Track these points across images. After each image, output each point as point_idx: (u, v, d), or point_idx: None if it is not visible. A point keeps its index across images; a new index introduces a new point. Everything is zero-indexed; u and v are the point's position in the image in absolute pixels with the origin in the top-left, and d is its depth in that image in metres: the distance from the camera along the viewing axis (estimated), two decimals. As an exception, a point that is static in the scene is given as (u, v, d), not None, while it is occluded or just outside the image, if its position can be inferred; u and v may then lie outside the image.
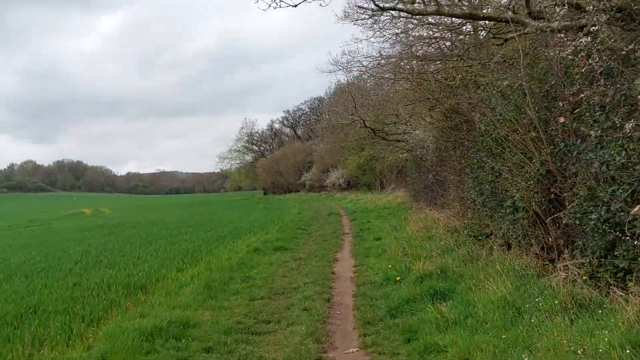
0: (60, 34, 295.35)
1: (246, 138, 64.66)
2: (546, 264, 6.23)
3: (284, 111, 69.21)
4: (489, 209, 8.31)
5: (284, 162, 56.80)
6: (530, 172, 6.37)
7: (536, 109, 6.29)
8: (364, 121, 20.43)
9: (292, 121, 66.77)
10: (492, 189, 8.37)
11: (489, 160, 7.91)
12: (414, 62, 12.97)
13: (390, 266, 8.27)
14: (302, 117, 64.61)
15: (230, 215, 27.37)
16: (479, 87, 9.53)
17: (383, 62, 14.40)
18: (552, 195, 6.23)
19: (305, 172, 52.92)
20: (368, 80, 21.76)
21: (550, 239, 6.39)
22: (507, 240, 7.69)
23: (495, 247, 7.71)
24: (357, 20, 12.08)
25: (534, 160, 6.32)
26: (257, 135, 67.04)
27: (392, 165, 35.57)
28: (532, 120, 6.36)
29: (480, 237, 8.49)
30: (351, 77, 21.45)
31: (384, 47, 20.95)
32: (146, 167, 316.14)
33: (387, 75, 15.33)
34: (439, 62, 12.04)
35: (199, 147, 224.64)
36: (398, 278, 7.44)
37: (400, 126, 21.59)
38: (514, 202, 6.77)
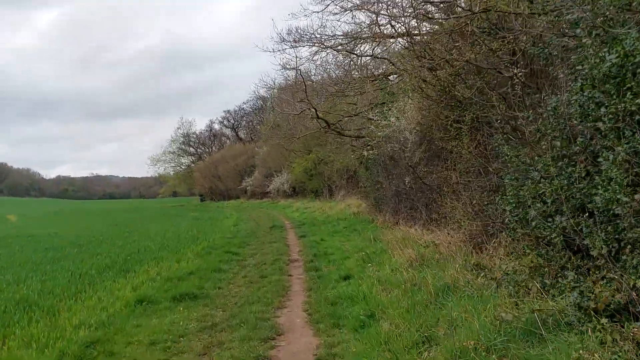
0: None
1: (182, 139, 58.17)
2: None
3: (224, 111, 63.51)
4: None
5: (223, 166, 51.12)
6: None
7: None
8: (315, 110, 15.80)
9: (234, 122, 61.09)
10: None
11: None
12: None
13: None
14: (245, 118, 59.13)
15: (148, 228, 21.83)
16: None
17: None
18: None
19: (246, 177, 47.59)
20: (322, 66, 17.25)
21: None
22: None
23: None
24: None
25: None
26: (194, 136, 60.70)
27: (342, 169, 31.42)
28: None
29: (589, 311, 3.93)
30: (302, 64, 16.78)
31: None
32: (81, 171, 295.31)
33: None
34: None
35: (139, 151, 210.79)
36: None
37: (361, 119, 17.20)
38: None
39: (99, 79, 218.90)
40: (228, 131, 63.48)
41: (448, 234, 8.57)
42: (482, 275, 5.81)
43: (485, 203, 7.01)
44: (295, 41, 15.86)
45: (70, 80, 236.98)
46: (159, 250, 12.75)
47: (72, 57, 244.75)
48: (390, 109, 13.05)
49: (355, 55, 13.88)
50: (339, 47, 15.39)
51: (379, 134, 13.13)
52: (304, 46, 16.62)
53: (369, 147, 14.42)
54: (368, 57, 13.93)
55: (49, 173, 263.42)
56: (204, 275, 8.85)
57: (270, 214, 28.55)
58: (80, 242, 16.14)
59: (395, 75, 15.08)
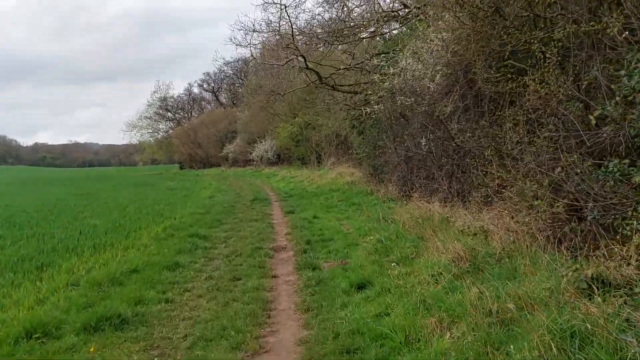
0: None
1: (159, 103, 54.01)
2: None
3: (203, 73, 58.82)
4: None
5: (203, 132, 47.65)
6: None
7: None
8: (304, 58, 12.80)
9: (214, 85, 57.04)
10: None
11: None
12: None
13: None
14: (225, 81, 55.12)
15: (112, 199, 18.87)
16: None
17: None
18: None
19: (228, 143, 44.35)
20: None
21: None
22: None
23: None
24: None
25: None
26: (172, 100, 56.52)
27: (332, 134, 28.61)
28: None
29: None
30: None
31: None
32: (60, 137, 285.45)
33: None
34: None
35: (120, 118, 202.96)
36: None
37: (358, 72, 14.30)
38: None
39: (78, 42, 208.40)
40: (208, 95, 59.59)
41: (500, 216, 5.91)
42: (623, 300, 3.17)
43: (586, 171, 4.32)
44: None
45: (48, 43, 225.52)
46: (107, 232, 9.92)
47: (50, 20, 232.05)
48: (400, 52, 10.17)
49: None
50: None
51: (385, 84, 10.28)
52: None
53: (371, 103, 11.57)
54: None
55: (28, 141, 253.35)
56: (151, 275, 6.09)
57: (253, 183, 25.73)
58: (21, 218, 13.20)
59: (405, 10, 12.16)
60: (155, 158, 63.57)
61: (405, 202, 9.94)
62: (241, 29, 12.39)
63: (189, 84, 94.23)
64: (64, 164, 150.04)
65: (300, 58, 12.55)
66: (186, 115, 57.65)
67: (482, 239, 5.62)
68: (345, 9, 14.70)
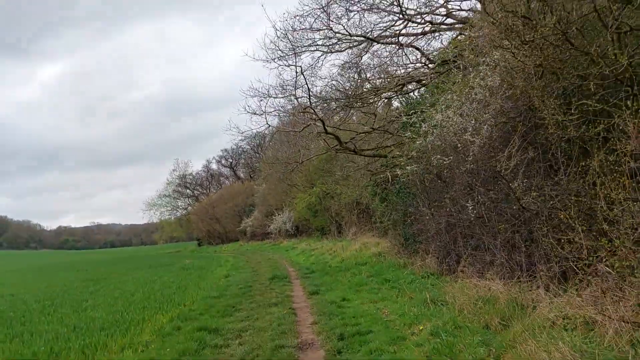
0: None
1: (178, 181, 53.98)
2: None
3: (221, 150, 59.45)
4: None
5: (221, 207, 46.87)
6: None
7: None
8: (323, 122, 11.84)
9: (232, 161, 57.13)
10: None
11: None
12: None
13: None
14: (243, 156, 55.26)
15: (123, 284, 17.47)
16: None
17: None
18: None
19: (245, 217, 43.31)
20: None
21: None
22: None
23: None
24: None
25: None
26: (190, 177, 56.53)
27: (352, 203, 27.33)
28: None
29: None
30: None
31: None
32: (83, 220, 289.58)
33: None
34: None
35: (141, 199, 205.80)
36: None
37: (379, 135, 13.30)
38: None
39: (100, 129, 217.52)
40: (226, 171, 59.63)
41: (600, 299, 4.37)
42: None
43: None
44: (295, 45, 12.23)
45: (73, 130, 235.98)
46: (105, 327, 8.46)
47: (75, 108, 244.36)
48: (432, 107, 9.09)
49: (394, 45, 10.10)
50: (355, 42, 11.68)
51: (417, 144, 9.09)
52: (305, 51, 13.01)
53: (400, 165, 10.35)
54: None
55: (52, 224, 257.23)
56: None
57: (272, 258, 24.19)
58: (17, 310, 11.83)
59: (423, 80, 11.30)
60: (174, 236, 62.77)
61: (449, 277, 8.39)
62: (255, 95, 11.52)
63: (207, 160, 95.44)
64: (86, 245, 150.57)
65: (318, 123, 11.59)
66: (205, 191, 57.40)
67: (585, 333, 4.06)
68: (362, 75, 14.00)
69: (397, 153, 9.97)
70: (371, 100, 13.65)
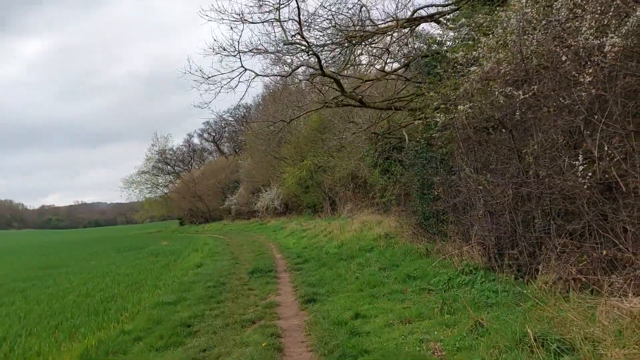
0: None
1: (157, 157, 49.98)
2: None
3: (203, 123, 54.85)
4: None
5: (203, 183, 43.25)
6: None
7: None
8: (318, 59, 8.35)
9: (214, 134, 53.16)
10: None
11: None
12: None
13: None
14: (227, 129, 51.29)
15: (73, 275, 14.09)
16: None
17: None
18: None
19: (230, 194, 39.85)
20: None
21: None
22: None
23: None
24: None
25: None
26: (171, 152, 52.49)
27: (347, 176, 24.02)
28: None
29: None
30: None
31: None
32: (68, 199, 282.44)
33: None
34: None
35: (127, 176, 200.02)
36: None
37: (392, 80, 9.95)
38: None
39: (85, 106, 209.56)
40: (210, 145, 55.70)
41: None
42: None
43: None
44: None
45: (57, 108, 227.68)
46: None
47: (58, 85, 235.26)
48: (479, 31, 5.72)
49: None
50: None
51: (472, 75, 5.73)
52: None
53: (430, 114, 6.98)
54: None
55: (36, 204, 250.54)
56: None
57: (257, 240, 20.90)
58: None
59: None
60: (155, 215, 59.15)
61: (509, 275, 5.18)
62: (222, 19, 7.94)
63: (189, 134, 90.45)
64: (70, 225, 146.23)
65: (312, 58, 8.12)
66: (186, 167, 53.51)
67: None
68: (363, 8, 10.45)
69: (433, 94, 6.59)
70: (377, 40, 10.20)
